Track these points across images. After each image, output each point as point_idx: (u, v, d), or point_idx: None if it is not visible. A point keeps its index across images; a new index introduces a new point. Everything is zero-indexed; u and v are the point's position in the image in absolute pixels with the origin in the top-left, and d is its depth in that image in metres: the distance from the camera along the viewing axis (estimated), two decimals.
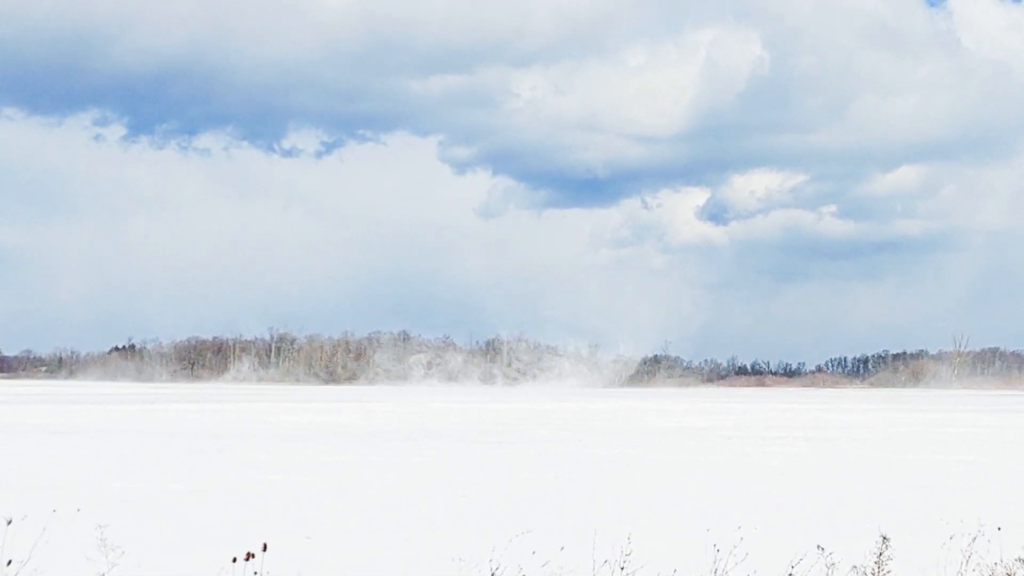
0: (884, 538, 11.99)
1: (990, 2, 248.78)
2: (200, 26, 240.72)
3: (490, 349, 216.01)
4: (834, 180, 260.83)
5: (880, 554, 11.93)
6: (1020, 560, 13.13)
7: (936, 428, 55.25)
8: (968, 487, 26.19)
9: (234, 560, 9.94)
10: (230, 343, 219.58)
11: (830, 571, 11.85)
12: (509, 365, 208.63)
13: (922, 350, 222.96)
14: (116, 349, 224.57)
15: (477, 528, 18.18)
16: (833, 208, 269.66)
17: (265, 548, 9.98)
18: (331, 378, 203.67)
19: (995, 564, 13.12)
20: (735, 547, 12.45)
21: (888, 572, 12.17)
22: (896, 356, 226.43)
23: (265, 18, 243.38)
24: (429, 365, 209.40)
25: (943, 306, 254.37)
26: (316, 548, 16.23)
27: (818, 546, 11.90)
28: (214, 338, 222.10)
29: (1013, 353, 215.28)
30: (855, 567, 12.18)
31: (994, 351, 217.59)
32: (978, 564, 13.06)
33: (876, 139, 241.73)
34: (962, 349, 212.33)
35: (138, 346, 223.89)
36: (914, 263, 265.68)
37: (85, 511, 19.26)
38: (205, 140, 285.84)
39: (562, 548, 12.91)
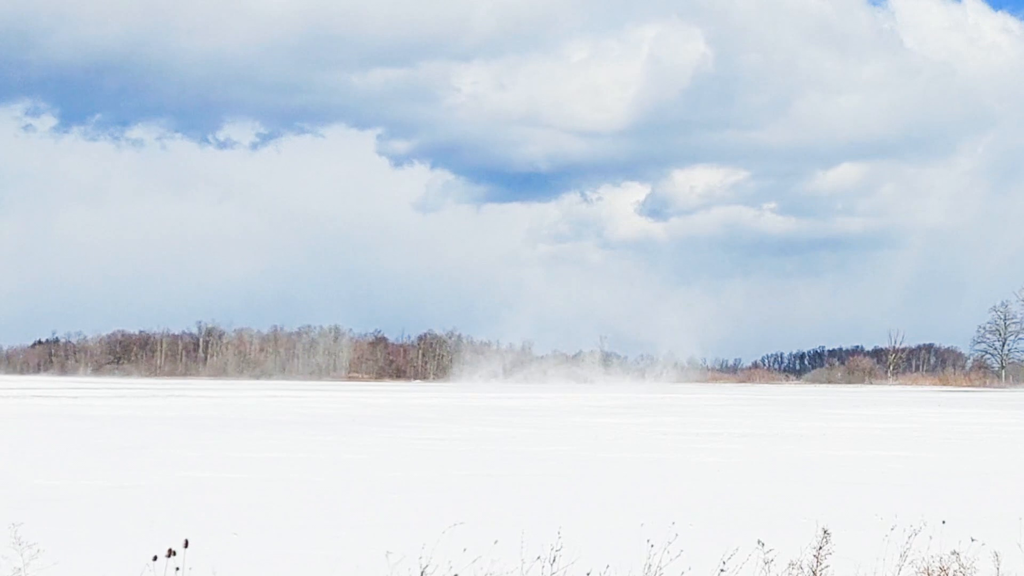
0: (825, 532, 11.79)
1: (932, 2, 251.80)
2: (137, 18, 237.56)
3: (422, 344, 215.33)
4: (775, 177, 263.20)
5: (820, 548, 11.73)
6: (955, 554, 13.08)
7: (872, 424, 55.64)
8: (906, 483, 26.21)
9: (155, 558, 9.60)
10: (157, 337, 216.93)
11: (768, 567, 11.64)
12: (442, 360, 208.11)
13: (858, 346, 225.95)
14: (39, 343, 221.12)
15: (408, 524, 17.84)
16: (774, 205, 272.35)
17: (187, 544, 9.65)
18: (261, 372, 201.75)
19: (932, 558, 13.04)
20: (669, 543, 12.23)
21: (827, 567, 11.99)
22: (832, 352, 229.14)
23: (204, 11, 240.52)
24: (362, 359, 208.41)
25: (880, 303, 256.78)
26: (243, 545, 15.79)
27: (758, 541, 11.66)
28: (140, 332, 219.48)
29: (947, 349, 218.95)
30: (792, 563, 11.99)
31: (928, 347, 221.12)
32: (913, 560, 12.97)
33: (818, 137, 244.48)
34: (897, 345, 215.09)
35: (62, 340, 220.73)
36: (853, 260, 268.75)
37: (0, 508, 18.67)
38: (138, 131, 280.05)
39: (495, 542, 12.60)
